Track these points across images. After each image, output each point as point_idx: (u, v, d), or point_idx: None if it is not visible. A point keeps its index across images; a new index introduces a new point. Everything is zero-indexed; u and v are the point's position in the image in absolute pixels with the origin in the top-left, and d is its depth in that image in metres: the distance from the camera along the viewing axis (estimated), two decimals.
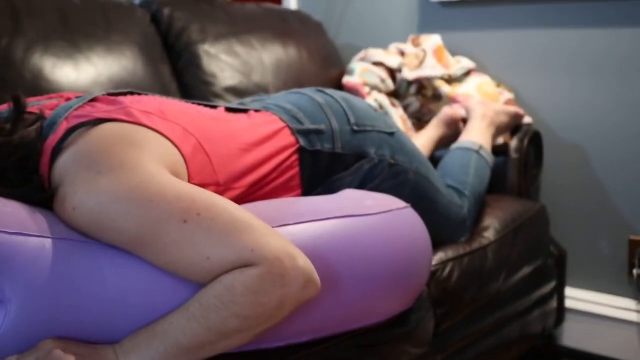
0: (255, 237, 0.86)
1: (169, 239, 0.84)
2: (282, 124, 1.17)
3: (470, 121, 1.79)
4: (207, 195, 0.89)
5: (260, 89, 1.86)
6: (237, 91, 1.82)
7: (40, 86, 1.42)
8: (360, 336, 1.09)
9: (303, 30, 2.12)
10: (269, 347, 0.97)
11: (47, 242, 0.82)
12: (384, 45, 2.18)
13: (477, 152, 1.65)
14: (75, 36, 1.54)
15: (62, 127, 0.92)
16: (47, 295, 0.81)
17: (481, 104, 1.82)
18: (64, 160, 0.89)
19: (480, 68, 2.07)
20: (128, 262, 0.86)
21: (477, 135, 1.72)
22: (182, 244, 0.84)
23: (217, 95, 1.79)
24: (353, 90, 1.96)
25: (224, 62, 1.84)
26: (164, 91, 1.67)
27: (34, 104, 1.02)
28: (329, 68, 2.10)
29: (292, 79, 1.94)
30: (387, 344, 1.14)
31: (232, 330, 0.85)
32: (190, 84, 1.78)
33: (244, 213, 0.89)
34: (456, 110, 1.86)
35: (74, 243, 0.84)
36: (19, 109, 0.93)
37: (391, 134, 1.29)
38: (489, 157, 1.69)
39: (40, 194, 0.88)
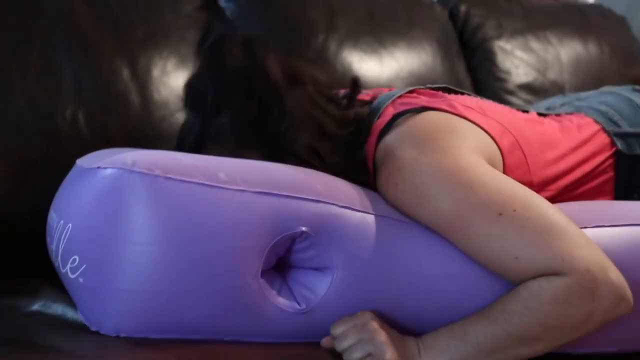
0: (568, 245, 0.84)
1: (481, 229, 0.85)
2: (597, 127, 1.12)
3: None
4: (527, 193, 0.89)
5: (556, 88, 1.79)
6: (531, 89, 1.78)
7: (349, 79, 1.52)
8: None
9: (604, 26, 1.99)
10: (573, 352, 0.94)
11: (370, 218, 0.88)
12: None
13: None
14: (380, 32, 1.63)
15: (389, 112, 0.99)
16: (368, 267, 0.87)
17: None
18: (389, 140, 0.95)
19: None
20: (443, 247, 0.89)
21: None
22: (493, 236, 0.85)
23: (511, 92, 1.76)
24: None
25: (519, 58, 1.81)
26: (459, 87, 1.69)
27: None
28: (632, 66, 1.95)
29: (591, 78, 1.84)
30: None
31: (533, 337, 0.85)
32: (484, 80, 1.78)
33: (561, 217, 0.87)
34: None
35: (394, 222, 0.90)
36: (355, 89, 1.02)
37: None
38: None
39: (363, 171, 0.95)
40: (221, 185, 0.81)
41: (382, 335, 0.83)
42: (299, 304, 0.86)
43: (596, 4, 2.13)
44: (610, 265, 0.85)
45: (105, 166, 0.83)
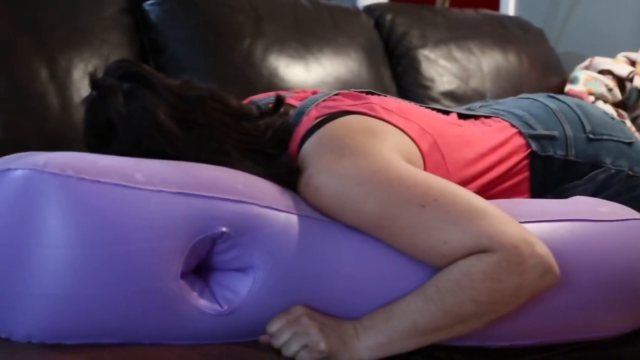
0: (493, 224, 0.87)
1: (407, 223, 0.87)
2: (513, 130, 1.16)
3: None
4: (444, 182, 0.92)
5: (478, 95, 1.85)
6: (454, 96, 1.83)
7: (275, 84, 1.53)
8: (585, 350, 1.04)
9: (523, 37, 2.08)
10: (492, 346, 0.96)
11: (293, 218, 0.88)
12: (610, 54, 2.06)
13: None
14: (306, 38, 1.64)
15: (312, 115, 1.00)
16: (290, 266, 0.87)
17: None
18: (310, 145, 0.95)
19: None
20: (365, 244, 0.90)
21: None
22: (420, 227, 0.87)
23: (434, 100, 1.81)
24: None
25: (443, 67, 1.86)
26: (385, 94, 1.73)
27: (285, 95, 1.10)
28: (549, 76, 2.03)
29: (511, 86, 1.91)
30: None
31: (468, 314, 0.87)
32: (409, 87, 1.83)
33: (481, 200, 0.90)
34: None
35: (316, 221, 0.90)
36: (277, 106, 1.01)
37: (630, 144, 1.22)
38: None
39: (287, 176, 0.95)
40: (137, 186, 0.79)
41: (315, 326, 0.85)
42: (220, 305, 0.85)
43: (515, 17, 2.21)
44: (535, 239, 0.88)
45: (16, 167, 0.80)
